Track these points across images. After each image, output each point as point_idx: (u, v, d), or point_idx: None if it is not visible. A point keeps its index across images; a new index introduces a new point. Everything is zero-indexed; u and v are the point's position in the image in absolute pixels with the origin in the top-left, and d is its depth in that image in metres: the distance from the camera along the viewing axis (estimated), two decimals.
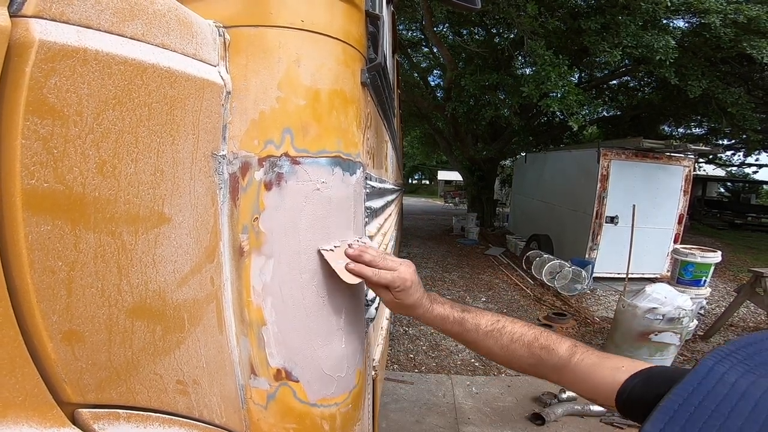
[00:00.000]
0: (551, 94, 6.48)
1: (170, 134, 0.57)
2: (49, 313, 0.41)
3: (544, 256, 6.63)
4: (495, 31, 9.51)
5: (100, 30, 0.45)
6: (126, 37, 0.48)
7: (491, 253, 9.12)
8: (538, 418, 2.71)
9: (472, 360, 3.75)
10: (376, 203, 1.18)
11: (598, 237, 6.50)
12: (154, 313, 0.53)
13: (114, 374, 0.47)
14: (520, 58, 8.34)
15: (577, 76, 9.44)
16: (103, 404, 0.46)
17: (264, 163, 0.72)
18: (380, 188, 1.27)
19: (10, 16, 0.36)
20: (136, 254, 0.51)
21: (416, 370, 3.48)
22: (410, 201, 27.58)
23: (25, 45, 0.37)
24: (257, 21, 0.71)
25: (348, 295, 0.84)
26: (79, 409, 0.43)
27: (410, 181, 44.82)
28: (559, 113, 7.68)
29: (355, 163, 0.84)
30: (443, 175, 34.95)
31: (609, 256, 6.42)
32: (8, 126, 0.37)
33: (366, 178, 0.94)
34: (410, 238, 10.78)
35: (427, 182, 45.56)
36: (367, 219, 0.95)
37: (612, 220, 6.44)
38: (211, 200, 0.69)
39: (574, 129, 7.44)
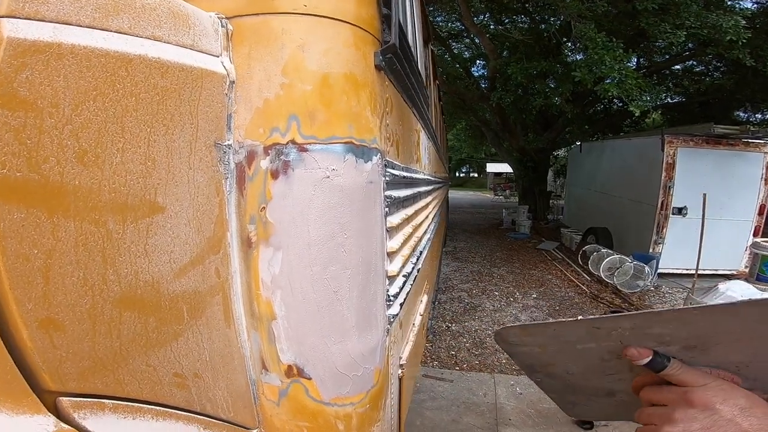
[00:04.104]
0: (608, 80, 6.02)
1: (163, 124, 0.55)
2: (23, 301, 0.40)
3: (603, 250, 6.20)
4: (539, 17, 9.01)
5: (80, 25, 0.45)
6: (110, 31, 0.48)
7: (544, 248, 8.70)
8: (585, 422, 2.52)
9: None
10: (402, 193, 1.12)
11: (664, 230, 5.96)
12: (147, 304, 0.52)
13: (99, 364, 0.46)
14: (569, 44, 7.83)
15: (634, 61, 8.71)
16: (87, 393, 0.44)
17: (270, 151, 0.69)
18: (408, 178, 1.21)
19: None
20: (124, 243, 0.49)
21: (457, 368, 3.38)
22: (458, 194, 27.09)
23: None
24: (259, 9, 0.69)
25: (365, 291, 0.80)
26: (60, 398, 0.42)
27: (457, 174, 44.05)
28: (617, 100, 7.15)
29: (370, 150, 0.79)
30: (492, 167, 33.94)
31: (676, 250, 5.88)
32: None
33: (385, 165, 0.88)
34: (457, 232, 10.56)
35: (476, 175, 44.49)
36: (387, 209, 0.90)
37: (680, 211, 5.88)
38: (215, 190, 0.67)
39: (636, 114, 6.88)
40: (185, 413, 0.57)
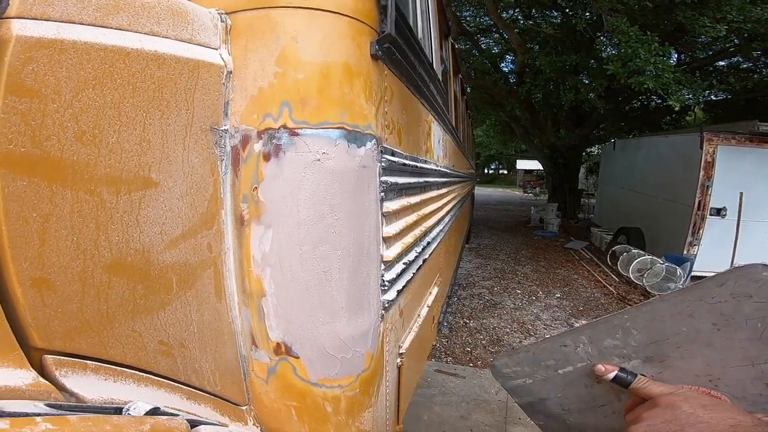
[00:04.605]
0: (645, 73, 5.75)
1: (158, 109, 0.60)
2: (20, 259, 0.44)
3: (633, 251, 5.96)
4: (571, 12, 8.69)
5: (82, 24, 0.51)
6: (110, 28, 0.54)
7: (572, 247, 8.46)
8: None
9: None
10: (403, 180, 1.13)
11: (700, 231, 5.66)
12: (136, 271, 0.56)
13: (85, 325, 0.50)
14: (602, 38, 7.52)
15: (675, 57, 8.26)
16: (71, 353, 0.48)
17: (263, 135, 0.73)
18: (412, 166, 1.22)
19: None
20: (116, 213, 0.54)
21: (471, 365, 3.36)
22: (486, 191, 26.66)
23: (5, 40, 0.44)
24: (255, 4, 0.74)
25: (356, 273, 0.82)
26: (45, 355, 0.46)
27: (486, 171, 43.27)
28: (655, 96, 6.79)
29: (364, 135, 0.81)
30: (522, 164, 33.14)
31: (713, 253, 5.57)
32: None
33: (382, 151, 0.90)
34: (482, 229, 10.42)
35: (505, 172, 43.53)
36: (383, 194, 0.92)
37: (718, 212, 5.56)
38: (210, 170, 0.71)
39: (675, 109, 6.53)
40: (168, 381, 0.60)
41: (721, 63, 9.44)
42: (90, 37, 0.51)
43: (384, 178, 0.92)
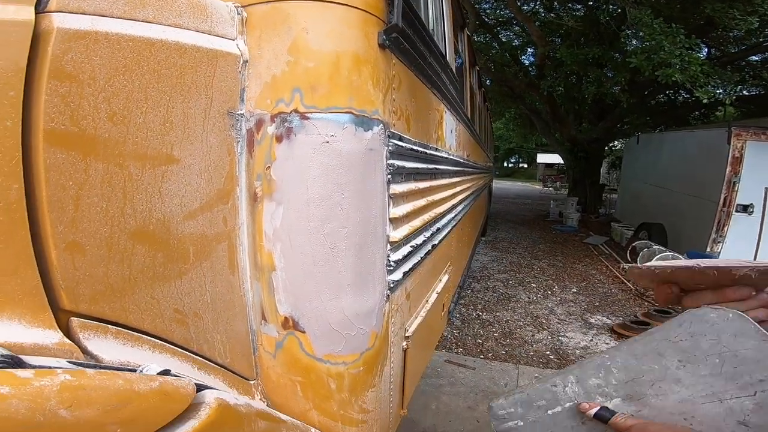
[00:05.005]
0: (671, 65, 5.57)
1: (180, 94, 0.66)
2: (56, 223, 0.50)
3: (654, 246, 5.83)
4: (594, 4, 8.44)
5: (112, 17, 0.57)
6: (137, 20, 0.60)
7: (591, 242, 8.31)
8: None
9: (547, 352, 3.51)
10: (411, 164, 1.16)
11: (725, 228, 5.49)
12: (157, 239, 0.61)
13: (109, 290, 0.56)
14: (627, 32, 7.30)
15: (705, 52, 7.94)
16: (94, 317, 0.54)
17: (275, 119, 0.78)
18: (421, 152, 1.25)
19: (37, 13, 0.51)
20: (142, 184, 0.59)
21: (482, 356, 3.36)
22: (505, 184, 26.33)
23: (47, 32, 0.51)
24: None
25: (362, 251, 0.86)
26: (72, 318, 0.52)
27: (505, 164, 42.65)
28: (683, 90, 6.54)
29: (371, 120, 0.84)
30: (543, 158, 32.50)
31: (738, 251, 5.40)
32: (37, 87, 0.50)
33: (389, 136, 0.93)
34: (499, 222, 10.34)
35: (525, 166, 42.79)
36: (390, 176, 0.95)
37: (745, 208, 5.38)
38: (227, 150, 0.76)
39: (704, 101, 6.31)
40: (181, 350, 0.65)
41: (755, 58, 9.04)
42: (120, 29, 0.57)
43: (391, 162, 0.95)
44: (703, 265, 0.57)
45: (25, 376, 0.39)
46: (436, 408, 2.57)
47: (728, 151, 5.36)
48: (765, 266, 0.54)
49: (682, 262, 0.59)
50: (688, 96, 9.29)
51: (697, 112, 10.42)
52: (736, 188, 5.37)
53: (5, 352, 0.43)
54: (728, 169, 5.38)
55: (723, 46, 8.68)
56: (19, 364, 0.42)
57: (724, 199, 5.47)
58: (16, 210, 0.48)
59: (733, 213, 5.44)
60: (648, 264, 0.62)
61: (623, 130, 11.56)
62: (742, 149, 5.32)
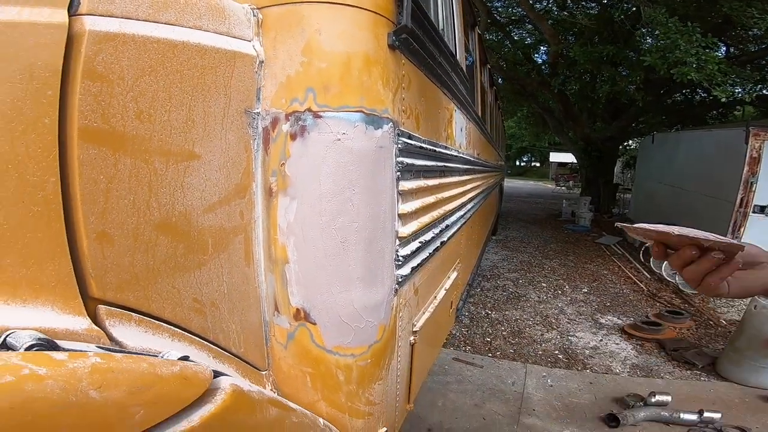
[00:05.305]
0: (687, 64, 5.47)
1: (201, 93, 0.70)
2: (88, 214, 0.54)
3: None
4: (607, 2, 8.31)
5: (138, 20, 0.60)
6: (161, 23, 0.64)
7: (603, 242, 8.22)
8: (612, 420, 2.42)
9: (556, 351, 3.50)
10: (420, 162, 1.19)
11: (741, 229, 5.39)
12: (179, 231, 0.65)
13: (134, 279, 0.59)
14: (642, 30, 7.17)
15: (723, 50, 7.76)
16: (120, 305, 0.58)
17: (290, 117, 0.81)
18: (430, 150, 1.27)
19: (70, 16, 0.54)
20: (165, 179, 0.63)
21: (490, 355, 3.36)
22: (517, 183, 26.11)
23: (80, 34, 0.54)
24: (284, 0, 0.82)
25: (371, 245, 0.89)
26: (100, 305, 0.56)
27: (518, 163, 42.25)
28: (700, 90, 6.40)
29: (381, 119, 0.87)
30: (555, 156, 32.16)
31: None
32: (72, 86, 0.53)
33: (399, 134, 0.96)
34: (510, 221, 10.28)
35: (537, 164, 42.35)
36: (399, 173, 0.98)
37: (762, 209, 5.27)
38: (244, 147, 0.79)
39: (722, 100, 6.18)
40: (199, 339, 0.69)
41: None
42: (145, 31, 0.60)
43: (400, 159, 0.98)
44: (677, 232, 0.61)
45: (60, 359, 0.42)
46: (443, 405, 2.58)
47: (746, 151, 5.26)
48: (727, 242, 0.59)
49: (663, 227, 0.63)
50: (705, 95, 9.11)
51: (714, 112, 10.21)
52: (753, 189, 5.26)
53: (41, 335, 0.47)
54: (745, 169, 5.27)
55: (742, 45, 8.48)
56: (54, 347, 0.45)
57: (741, 199, 5.36)
58: (52, 202, 0.52)
59: (750, 214, 5.33)
60: (636, 225, 0.66)
61: (638, 129, 11.38)
62: (760, 149, 5.21)
